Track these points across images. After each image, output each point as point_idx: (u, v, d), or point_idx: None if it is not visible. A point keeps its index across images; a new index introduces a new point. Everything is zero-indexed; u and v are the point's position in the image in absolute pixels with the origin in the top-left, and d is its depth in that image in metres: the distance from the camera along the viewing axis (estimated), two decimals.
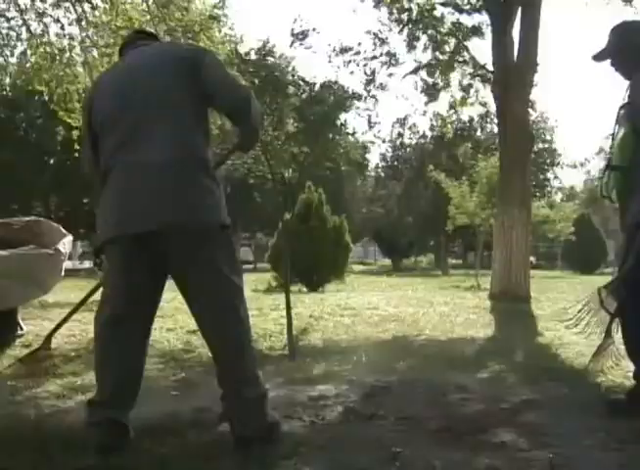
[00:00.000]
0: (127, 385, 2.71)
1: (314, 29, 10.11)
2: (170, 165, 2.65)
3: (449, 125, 14.58)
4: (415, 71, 12.85)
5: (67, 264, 5.70)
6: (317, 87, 5.58)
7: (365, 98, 11.72)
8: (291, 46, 7.40)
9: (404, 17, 12.57)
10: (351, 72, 12.17)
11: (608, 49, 3.34)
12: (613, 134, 3.29)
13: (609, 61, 3.36)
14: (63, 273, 5.45)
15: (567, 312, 3.52)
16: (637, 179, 3.10)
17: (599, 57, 3.37)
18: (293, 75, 5.12)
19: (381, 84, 12.72)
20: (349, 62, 12.08)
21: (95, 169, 2.87)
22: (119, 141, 2.71)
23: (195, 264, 2.67)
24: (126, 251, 2.70)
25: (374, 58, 12.60)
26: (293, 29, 6.44)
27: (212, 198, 2.71)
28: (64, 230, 5.51)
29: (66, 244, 5.28)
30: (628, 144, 3.15)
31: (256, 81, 5.21)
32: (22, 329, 5.43)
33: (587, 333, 3.39)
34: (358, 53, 12.44)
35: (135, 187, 2.65)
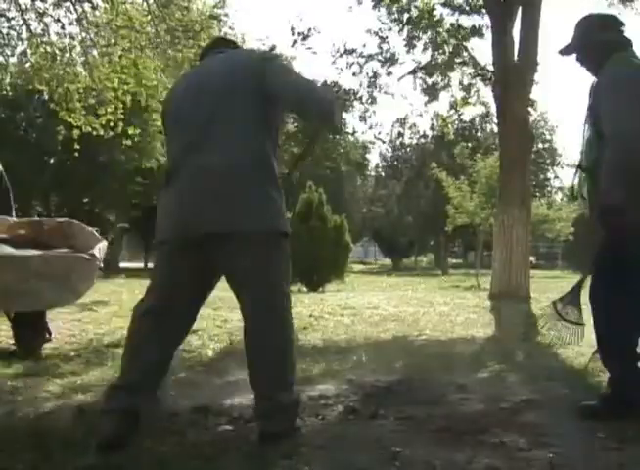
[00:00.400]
0: (151, 375, 2.75)
1: (314, 29, 10.10)
2: (232, 170, 2.68)
3: (450, 125, 14.58)
4: (413, 73, 12.85)
5: None
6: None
7: (368, 100, 11.71)
8: (292, 46, 7.39)
9: (403, 17, 12.57)
10: (353, 74, 12.18)
11: (573, 44, 3.29)
12: (582, 135, 3.28)
13: (574, 56, 3.33)
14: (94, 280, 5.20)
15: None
16: (600, 181, 3.08)
17: (565, 51, 3.32)
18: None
19: (382, 86, 12.73)
20: (352, 64, 12.09)
21: None
22: (185, 143, 2.77)
23: (247, 270, 2.72)
24: (178, 251, 2.75)
25: (371, 56, 12.60)
26: (293, 29, 6.43)
27: (274, 205, 2.75)
28: (97, 234, 5.26)
29: (101, 249, 5.03)
30: (593, 147, 3.14)
31: None
32: (50, 334, 5.21)
33: (560, 344, 3.45)
34: (358, 53, 12.44)
35: (195, 190, 2.69)
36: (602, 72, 3.12)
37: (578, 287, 3.36)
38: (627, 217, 2.91)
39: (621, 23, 3.30)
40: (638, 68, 3.07)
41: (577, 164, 3.37)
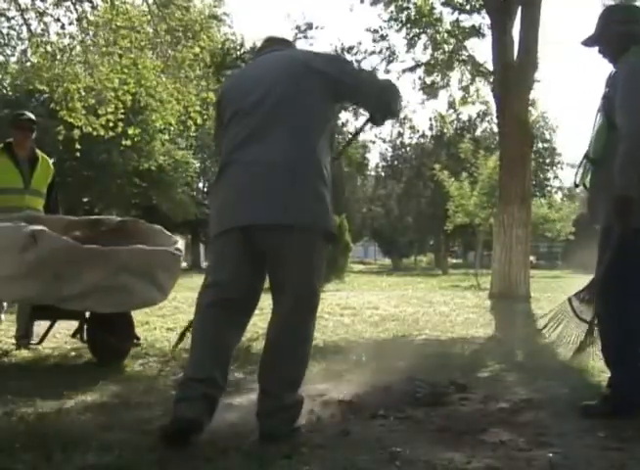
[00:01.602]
0: (222, 364, 2.78)
1: (314, 26, 10.06)
2: (283, 167, 2.73)
3: (448, 125, 14.59)
4: (413, 69, 12.84)
5: None
6: None
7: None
8: (294, 40, 7.39)
9: (403, 16, 12.57)
10: None
11: (595, 35, 3.31)
12: (593, 124, 3.28)
13: (597, 47, 3.34)
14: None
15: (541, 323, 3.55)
16: (606, 175, 3.08)
17: (587, 43, 3.35)
18: None
19: None
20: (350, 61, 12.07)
21: None
22: (241, 138, 2.81)
23: (288, 265, 2.78)
24: (236, 242, 2.79)
25: (372, 53, 12.60)
26: (297, 27, 6.43)
27: (322, 204, 2.79)
28: (167, 232, 4.95)
29: (180, 247, 4.72)
30: (601, 137, 3.15)
31: None
32: (138, 339, 4.79)
33: (561, 342, 3.43)
34: (357, 51, 12.44)
35: (250, 182, 2.75)
36: (621, 64, 3.13)
37: (594, 284, 3.31)
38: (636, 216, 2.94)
39: None
40: None
41: (584, 153, 3.37)
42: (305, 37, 9.66)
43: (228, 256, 2.84)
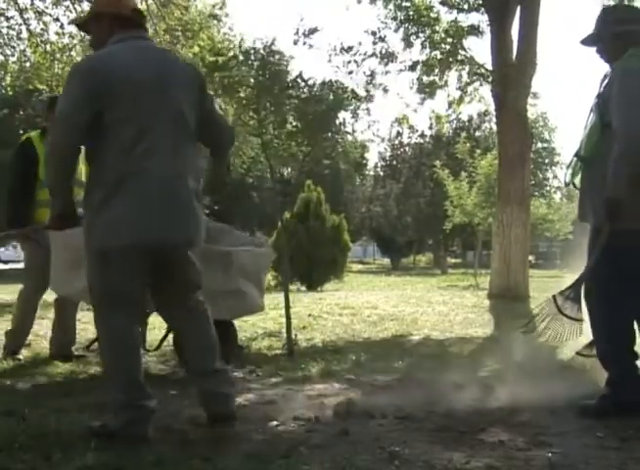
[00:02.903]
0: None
1: (315, 29, 10.06)
2: (184, 180, 2.80)
3: (446, 124, 14.57)
4: (412, 68, 12.82)
5: None
6: (317, 86, 5.57)
7: (366, 98, 11.66)
8: (295, 44, 7.39)
9: (401, 15, 12.55)
10: (350, 72, 12.14)
11: (593, 34, 3.32)
12: (585, 123, 3.29)
13: (594, 47, 3.36)
14: None
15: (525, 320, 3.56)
16: (596, 174, 3.10)
17: (586, 42, 3.37)
18: (299, 75, 5.13)
19: (380, 85, 12.69)
20: (349, 62, 12.06)
21: (76, 149, 2.79)
22: (147, 146, 2.72)
23: (173, 275, 2.89)
24: (137, 257, 2.76)
25: (372, 55, 12.58)
26: (298, 29, 6.43)
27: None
28: (237, 231, 4.73)
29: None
30: (593, 135, 3.16)
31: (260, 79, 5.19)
32: (242, 348, 4.50)
33: (545, 338, 3.43)
34: (357, 53, 12.42)
35: (156, 200, 2.73)
36: (617, 65, 3.14)
37: (579, 282, 3.34)
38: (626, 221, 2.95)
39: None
40: None
41: (575, 152, 3.37)
42: (305, 43, 9.68)
43: (125, 271, 2.76)
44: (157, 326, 5.11)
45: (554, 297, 3.38)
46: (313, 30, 6.37)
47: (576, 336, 3.40)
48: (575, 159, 3.31)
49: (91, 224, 2.74)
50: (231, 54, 5.43)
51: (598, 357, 3.27)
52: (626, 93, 2.99)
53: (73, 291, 3.99)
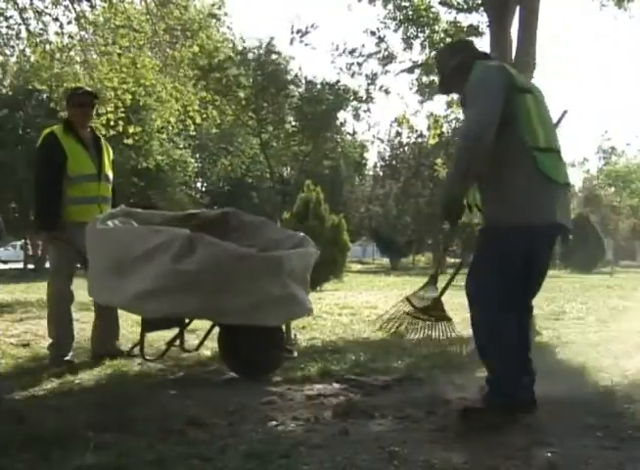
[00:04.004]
0: None
1: (312, 26, 10.06)
2: None
3: (441, 125, 14.53)
4: (411, 70, 12.82)
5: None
6: (317, 86, 5.56)
7: (367, 99, 11.69)
8: (291, 44, 7.38)
9: (400, 15, 12.54)
10: (352, 74, 12.16)
11: (440, 81, 3.50)
12: None
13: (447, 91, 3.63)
14: None
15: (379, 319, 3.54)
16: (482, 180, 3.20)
17: (441, 91, 3.72)
18: (296, 75, 5.12)
19: (382, 87, 12.71)
20: (352, 64, 12.07)
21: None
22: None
23: None
24: None
25: (373, 54, 12.58)
26: (292, 27, 6.41)
27: None
28: (275, 224, 4.52)
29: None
30: None
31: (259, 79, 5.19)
32: (291, 352, 4.32)
33: (399, 335, 3.51)
34: (357, 52, 12.43)
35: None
36: (470, 78, 3.19)
37: (434, 279, 3.48)
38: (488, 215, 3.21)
39: (469, 42, 3.62)
40: (486, 68, 3.15)
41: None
42: (301, 42, 9.65)
43: None
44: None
45: (407, 298, 3.40)
46: (308, 29, 6.39)
47: (447, 334, 3.43)
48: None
49: None
50: (226, 55, 5.43)
51: (479, 356, 3.28)
52: (475, 94, 3.08)
53: (117, 299, 3.89)
